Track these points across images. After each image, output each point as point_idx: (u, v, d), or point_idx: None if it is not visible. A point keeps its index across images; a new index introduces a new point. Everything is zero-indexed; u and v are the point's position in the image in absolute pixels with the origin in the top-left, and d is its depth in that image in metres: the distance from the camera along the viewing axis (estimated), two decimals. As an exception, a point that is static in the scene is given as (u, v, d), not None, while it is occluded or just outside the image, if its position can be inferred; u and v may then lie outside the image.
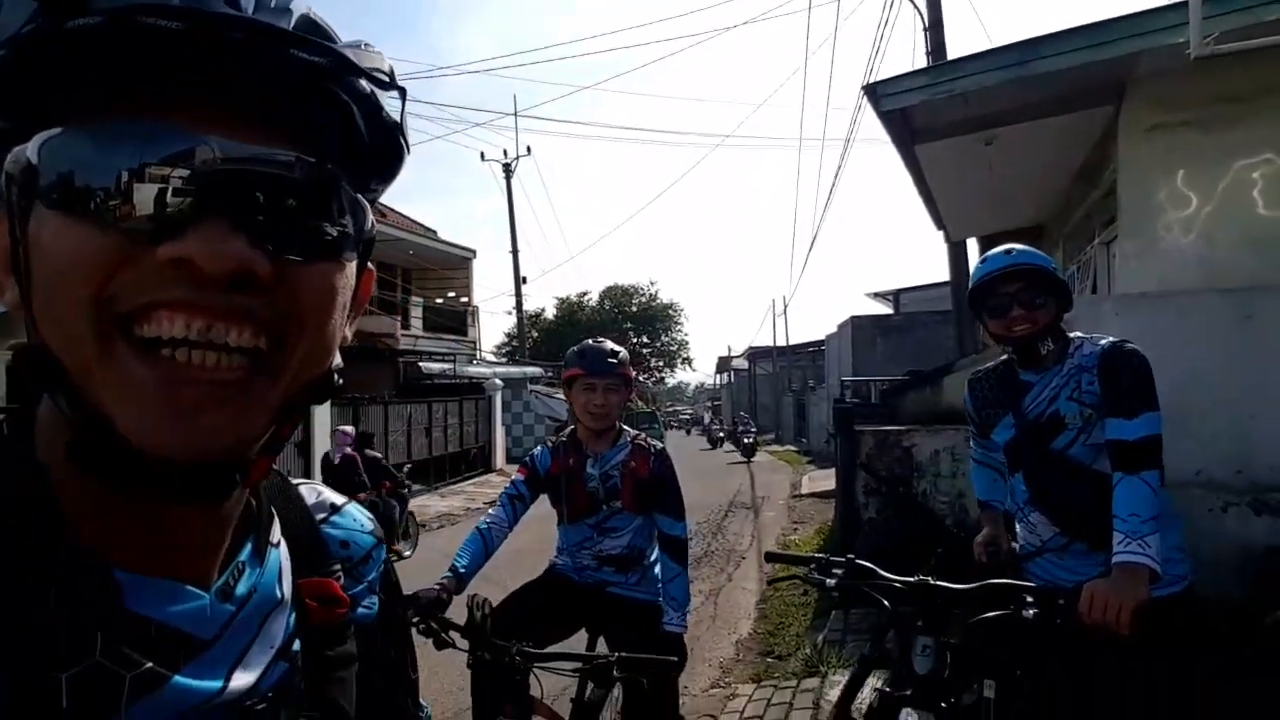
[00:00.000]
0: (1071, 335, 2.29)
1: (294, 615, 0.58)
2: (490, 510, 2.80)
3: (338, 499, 0.69)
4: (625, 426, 2.96)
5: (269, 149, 0.45)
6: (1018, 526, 2.40)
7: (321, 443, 10.83)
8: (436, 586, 2.32)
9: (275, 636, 0.55)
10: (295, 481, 0.68)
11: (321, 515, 0.67)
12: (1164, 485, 2.00)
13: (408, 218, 23.34)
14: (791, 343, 37.35)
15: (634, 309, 50.50)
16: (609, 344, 2.88)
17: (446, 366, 19.49)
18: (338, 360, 0.53)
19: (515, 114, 30.60)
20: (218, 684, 0.50)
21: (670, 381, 67.16)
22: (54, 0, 0.41)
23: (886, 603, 2.05)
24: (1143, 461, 1.97)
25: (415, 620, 2.17)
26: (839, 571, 2.14)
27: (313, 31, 0.46)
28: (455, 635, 2.19)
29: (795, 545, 8.78)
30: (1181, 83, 5.20)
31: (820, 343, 30.56)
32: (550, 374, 27.80)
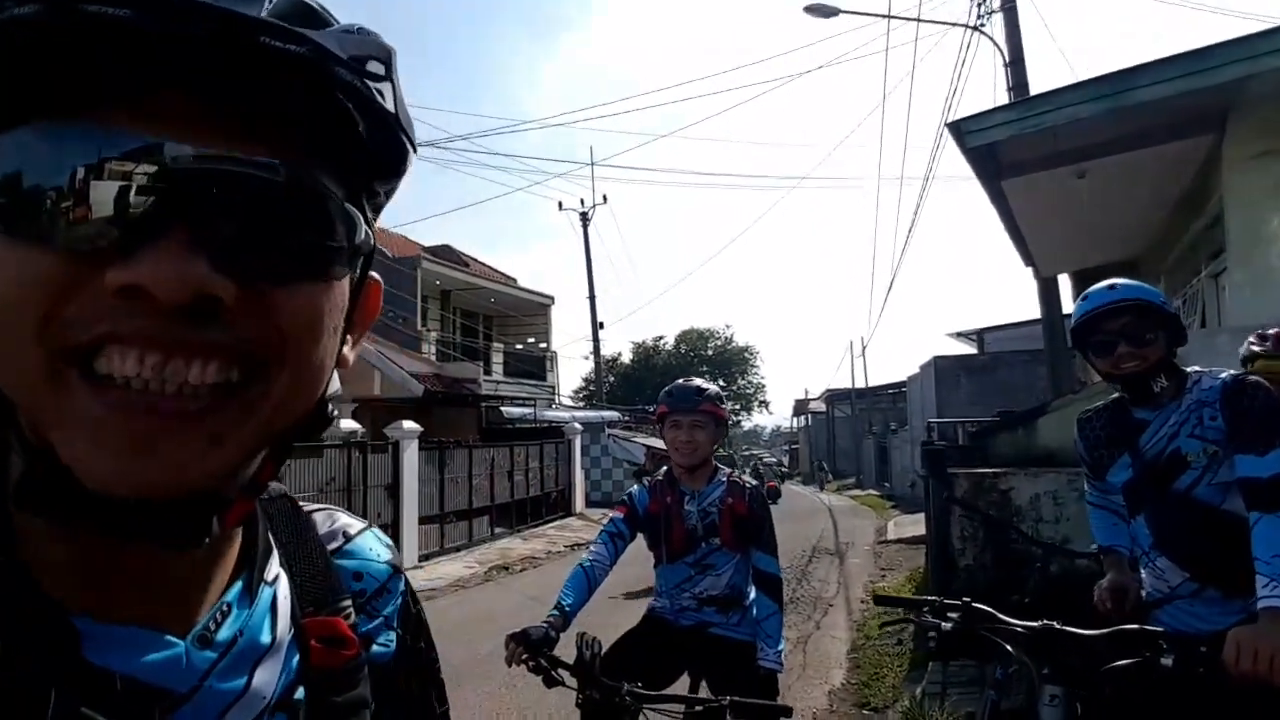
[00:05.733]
0: (1189, 370, 2.19)
1: (296, 659, 0.52)
2: (591, 548, 2.84)
3: (354, 525, 0.63)
4: (720, 464, 2.98)
5: (240, 152, 0.39)
6: (1143, 572, 2.29)
7: (410, 485, 11.12)
8: (545, 624, 2.35)
9: (268, 686, 0.50)
10: (310, 507, 0.62)
11: (334, 545, 0.61)
12: None
13: (489, 266, 24.12)
14: (871, 384, 36.60)
15: (709, 352, 50.43)
16: (698, 382, 2.93)
17: (527, 411, 19.82)
18: (335, 387, 0.49)
19: (592, 163, 31.15)
20: None
21: (746, 425, 66.46)
22: None
23: (1009, 649, 1.97)
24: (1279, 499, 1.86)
25: (525, 658, 2.21)
26: (954, 615, 2.07)
27: (295, 15, 0.40)
28: (564, 673, 2.20)
29: (885, 592, 8.49)
30: (1292, 107, 4.99)
31: (901, 384, 29.80)
32: (627, 418, 27.94)
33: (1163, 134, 5.46)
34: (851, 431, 38.28)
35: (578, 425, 20.33)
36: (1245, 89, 4.99)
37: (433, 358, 18.78)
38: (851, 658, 6.33)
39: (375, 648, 0.60)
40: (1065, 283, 11.08)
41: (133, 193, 0.37)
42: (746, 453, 58.30)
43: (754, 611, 2.84)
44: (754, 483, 2.95)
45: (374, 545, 0.63)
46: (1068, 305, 11.40)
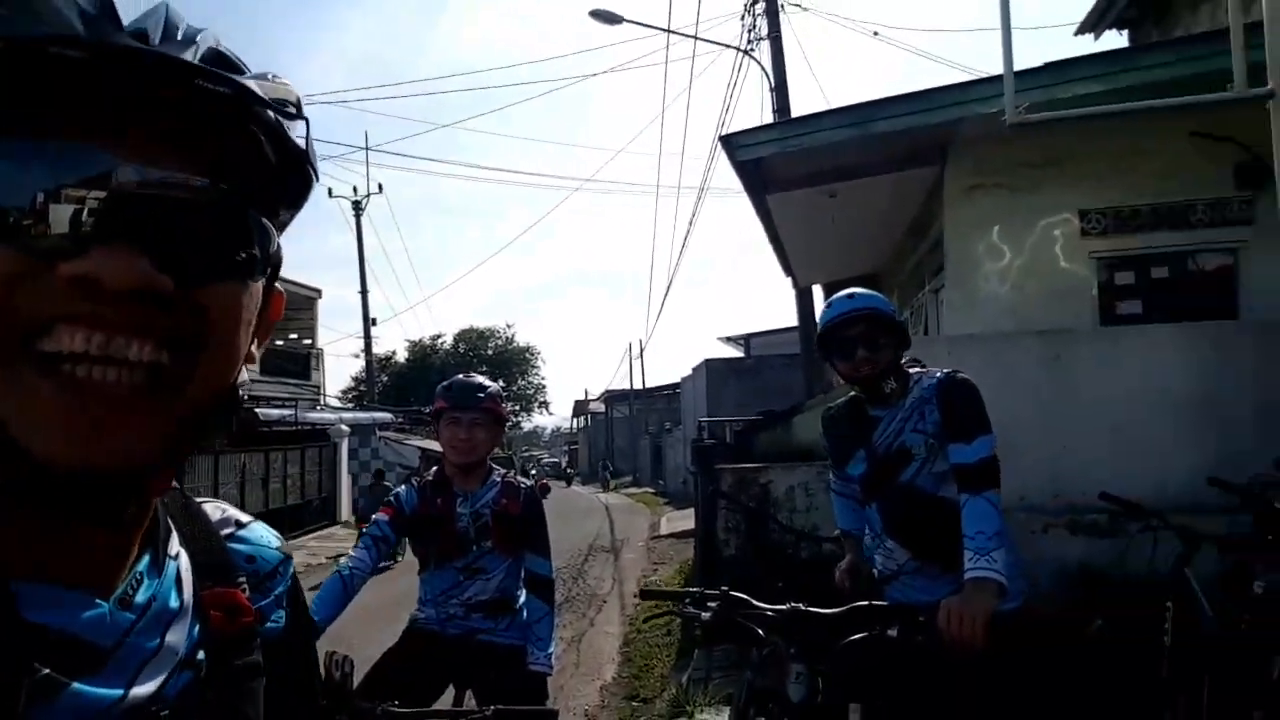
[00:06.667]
0: (911, 371, 2.44)
1: (197, 626, 0.57)
2: (352, 553, 2.63)
3: (243, 516, 0.69)
4: (495, 464, 2.88)
5: (178, 173, 0.46)
6: (875, 553, 2.51)
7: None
8: None
9: (177, 646, 0.55)
10: (199, 500, 0.67)
11: (227, 531, 0.66)
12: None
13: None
14: (648, 385, 38.00)
15: (489, 352, 49.56)
16: (479, 378, 2.81)
17: (287, 413, 18.27)
18: (244, 378, 0.54)
19: (366, 148, 29.34)
20: (118, 692, 0.49)
21: (526, 426, 66.28)
22: None
23: (761, 632, 2.07)
24: (984, 482, 2.12)
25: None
26: (714, 605, 2.14)
27: (219, 63, 0.47)
28: (308, 696, 1.99)
29: (657, 585, 8.79)
30: (995, 148, 5.81)
31: (676, 386, 31.25)
32: (400, 419, 26.69)
33: (898, 163, 6.15)
34: (629, 431, 39.52)
35: (345, 428, 19.11)
36: (959, 129, 5.74)
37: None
38: (624, 651, 6.47)
39: (268, 624, 0.65)
40: (819, 293, 12.19)
41: (85, 212, 0.43)
42: (526, 454, 58.18)
43: (524, 615, 2.77)
44: (528, 483, 2.88)
45: (264, 534, 0.69)
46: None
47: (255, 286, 0.52)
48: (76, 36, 0.42)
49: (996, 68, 4.93)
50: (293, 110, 0.51)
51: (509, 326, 53.55)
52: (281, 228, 0.55)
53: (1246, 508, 3.07)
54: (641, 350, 37.28)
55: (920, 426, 2.31)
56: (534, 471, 26.22)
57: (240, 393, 0.54)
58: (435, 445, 2.85)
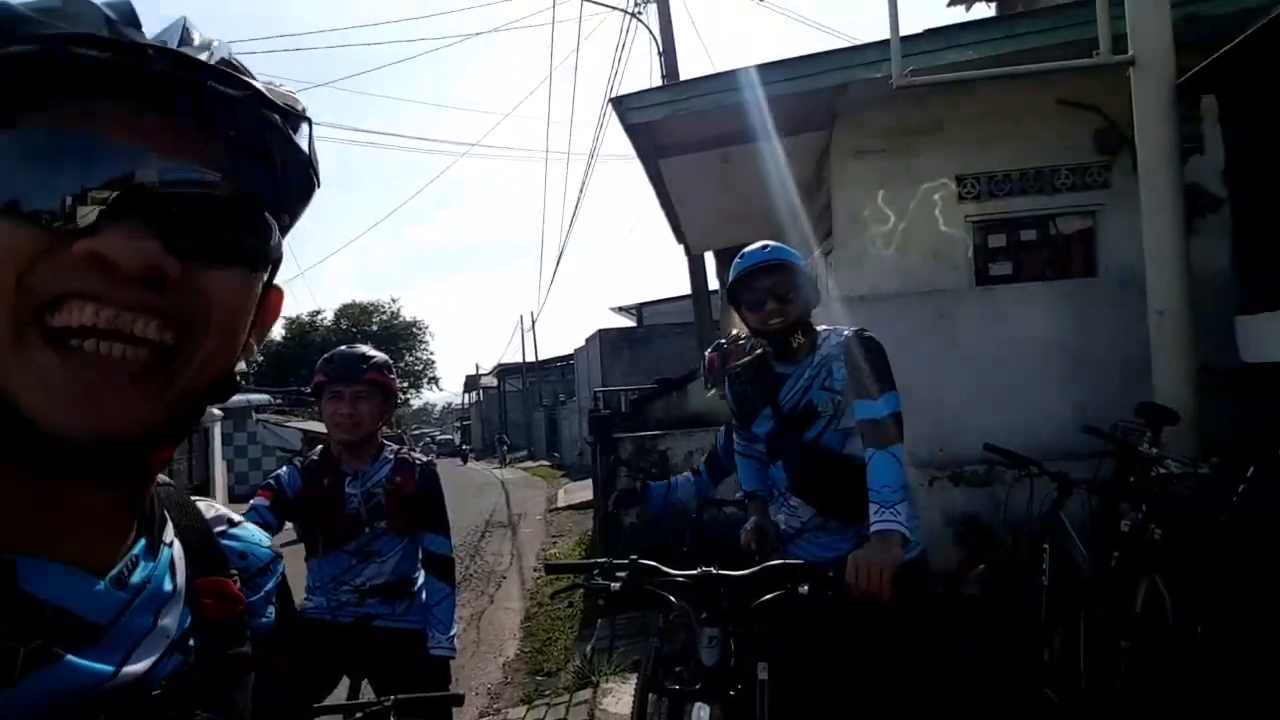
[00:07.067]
0: (819, 328, 2.44)
1: (189, 612, 0.59)
2: None
3: (235, 516, 0.72)
4: (387, 440, 2.70)
5: (190, 166, 0.49)
6: (779, 511, 2.51)
7: None
8: None
9: (170, 629, 0.56)
10: (193, 499, 0.69)
11: (220, 528, 0.68)
12: None
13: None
14: (541, 358, 37.62)
15: (374, 328, 47.70)
16: (363, 348, 2.61)
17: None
18: (241, 366, 0.57)
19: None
20: (110, 668, 0.51)
21: (416, 403, 64.54)
22: None
23: (673, 598, 2.02)
24: (890, 437, 2.14)
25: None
26: (623, 574, 2.07)
27: (230, 70, 0.51)
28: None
29: (558, 558, 8.73)
30: (879, 113, 5.94)
31: (569, 357, 31.08)
32: (279, 400, 25.38)
33: (788, 127, 6.18)
34: (523, 405, 39.10)
35: (216, 411, 17.97)
36: (844, 94, 5.83)
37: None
38: (525, 626, 6.39)
39: (259, 620, 0.67)
40: (711, 261, 12.29)
41: (105, 189, 0.46)
42: (416, 431, 56.67)
43: (423, 597, 2.64)
44: (424, 459, 2.72)
45: (255, 533, 0.72)
46: (714, 283, 12.69)
47: (256, 278, 0.55)
48: (101, 37, 0.46)
49: (877, 36, 5.04)
50: (298, 116, 0.54)
51: (394, 301, 51.76)
52: (284, 230, 0.58)
53: (1114, 454, 3.28)
54: (534, 322, 36.80)
55: (828, 384, 2.30)
56: (431, 451, 25.52)
57: (237, 378, 0.57)
58: (320, 427, 2.64)
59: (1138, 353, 3.99)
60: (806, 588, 1.90)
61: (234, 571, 0.64)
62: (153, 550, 0.58)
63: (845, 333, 2.36)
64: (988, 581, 3.51)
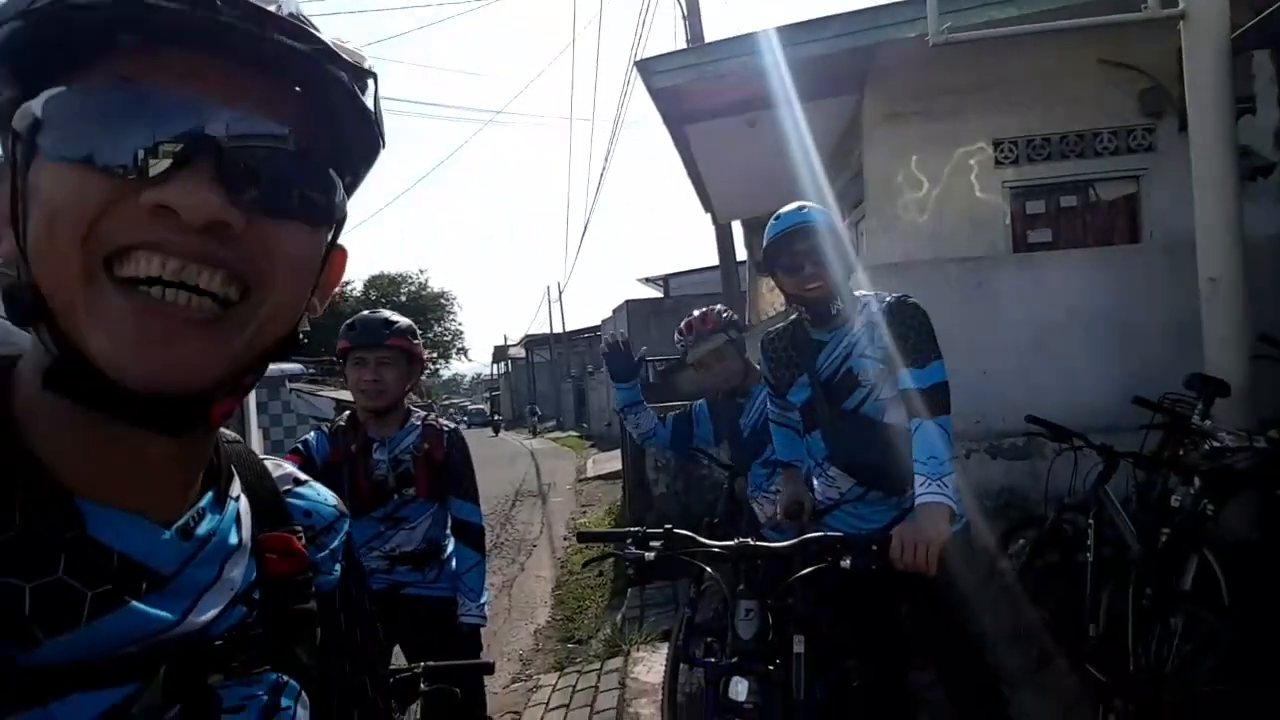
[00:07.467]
0: (857, 293, 2.36)
1: (254, 567, 0.60)
2: None
3: (301, 475, 0.72)
4: (415, 407, 2.68)
5: (258, 118, 0.49)
6: (816, 482, 2.46)
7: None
8: None
9: (234, 581, 0.57)
10: (261, 457, 0.70)
11: (286, 486, 0.69)
12: None
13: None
14: (568, 329, 37.67)
15: (403, 298, 47.95)
16: (386, 313, 2.58)
17: (187, 367, 17.29)
18: (305, 325, 0.57)
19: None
20: (174, 616, 0.52)
21: (445, 374, 65.12)
22: None
23: (709, 570, 1.99)
24: (937, 407, 2.07)
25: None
26: (657, 544, 2.04)
27: (299, 23, 0.50)
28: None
29: (588, 527, 8.77)
30: (913, 75, 5.76)
31: (596, 327, 31.07)
32: (312, 370, 25.70)
33: (818, 91, 6.01)
34: (551, 375, 39.26)
35: (252, 381, 18.29)
36: (877, 55, 5.65)
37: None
38: (556, 594, 6.44)
39: (322, 577, 0.67)
40: (739, 231, 12.13)
41: (173, 139, 0.46)
42: (446, 402, 57.25)
43: (453, 564, 2.64)
44: (452, 426, 2.70)
45: (321, 492, 0.73)
46: (741, 253, 12.53)
47: (320, 235, 0.55)
48: None
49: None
50: (365, 74, 0.54)
51: (422, 272, 52.14)
52: (349, 189, 0.57)
53: (1162, 426, 3.17)
54: (560, 293, 36.80)
55: (869, 352, 2.23)
56: (459, 420, 25.76)
57: (300, 336, 0.57)
58: (351, 395, 2.65)
59: (1187, 322, 3.85)
60: (848, 561, 1.85)
61: (299, 528, 0.65)
62: (219, 503, 0.59)
63: (887, 298, 2.28)
64: (1027, 557, 3.43)
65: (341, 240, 0.59)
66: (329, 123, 0.54)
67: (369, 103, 0.55)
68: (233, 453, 0.65)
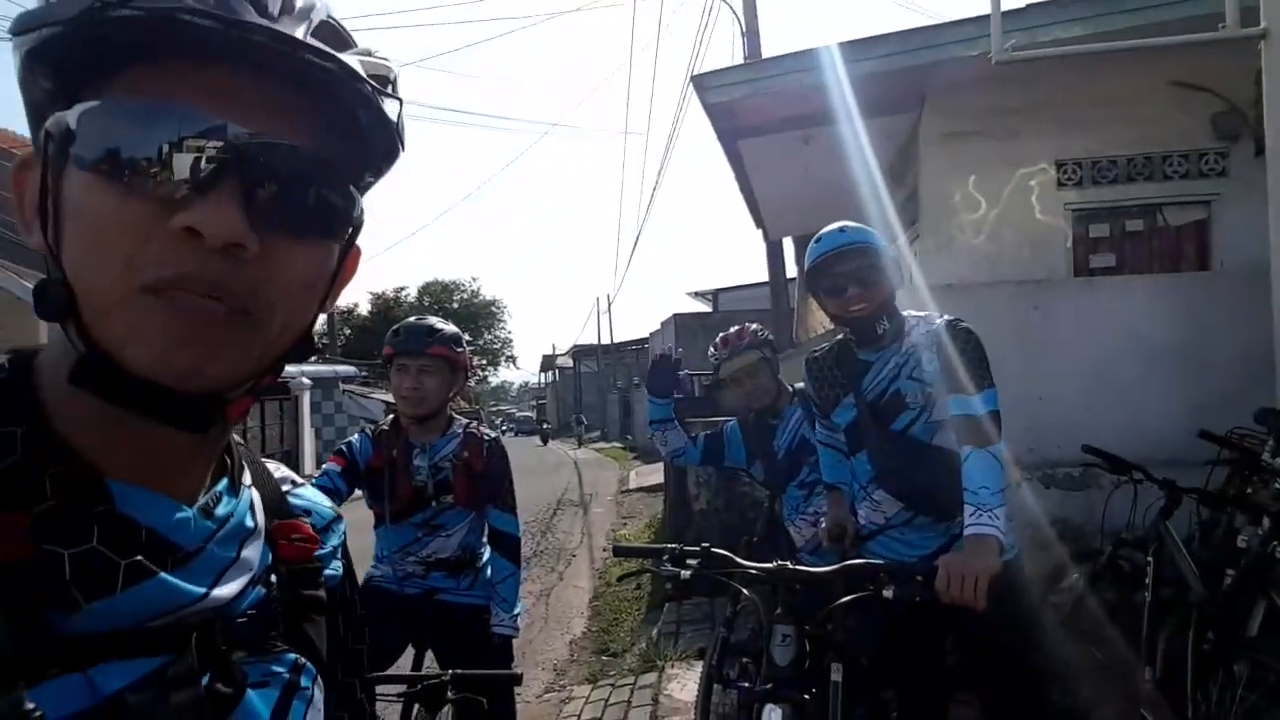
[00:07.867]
0: (905, 314, 2.30)
1: (269, 551, 0.62)
2: None
3: (298, 478, 0.74)
4: (456, 415, 2.70)
5: (279, 135, 0.51)
6: (859, 506, 2.40)
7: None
8: None
9: (252, 561, 0.60)
10: (260, 459, 0.72)
11: (285, 487, 0.71)
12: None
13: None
14: (616, 340, 37.78)
15: (455, 305, 48.83)
16: (432, 320, 2.60)
17: (246, 366, 17.82)
18: (320, 324, 0.66)
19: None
20: (201, 590, 0.54)
21: (494, 381, 65.85)
22: None
23: (746, 591, 1.95)
24: (989, 435, 2.00)
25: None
26: (693, 562, 2.01)
27: (329, 36, 0.53)
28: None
29: (627, 539, 8.75)
30: (972, 94, 5.65)
31: (644, 340, 31.12)
32: (364, 373, 26.27)
33: (874, 109, 5.94)
34: (597, 386, 39.40)
35: (306, 381, 18.72)
36: (935, 74, 5.56)
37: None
38: (593, 606, 6.42)
39: (327, 571, 0.69)
40: (789, 247, 12.03)
41: (203, 159, 0.48)
42: (494, 408, 57.86)
43: (488, 573, 2.64)
44: (493, 435, 2.72)
45: (317, 494, 0.74)
46: (791, 270, 12.42)
47: (334, 246, 0.57)
48: (203, 8, 0.47)
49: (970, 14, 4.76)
50: (389, 86, 0.55)
51: (474, 280, 52.97)
52: (364, 189, 0.60)
53: (1230, 462, 3.03)
54: (609, 304, 36.97)
55: (917, 374, 2.17)
56: (504, 428, 26.00)
57: (315, 339, 0.60)
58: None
59: (1258, 354, 3.68)
60: (890, 591, 1.80)
61: (304, 519, 0.68)
62: (234, 489, 0.62)
63: (936, 321, 2.22)
64: (1080, 593, 3.30)
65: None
66: (351, 135, 0.55)
67: (391, 113, 0.56)
68: (244, 453, 0.68)
